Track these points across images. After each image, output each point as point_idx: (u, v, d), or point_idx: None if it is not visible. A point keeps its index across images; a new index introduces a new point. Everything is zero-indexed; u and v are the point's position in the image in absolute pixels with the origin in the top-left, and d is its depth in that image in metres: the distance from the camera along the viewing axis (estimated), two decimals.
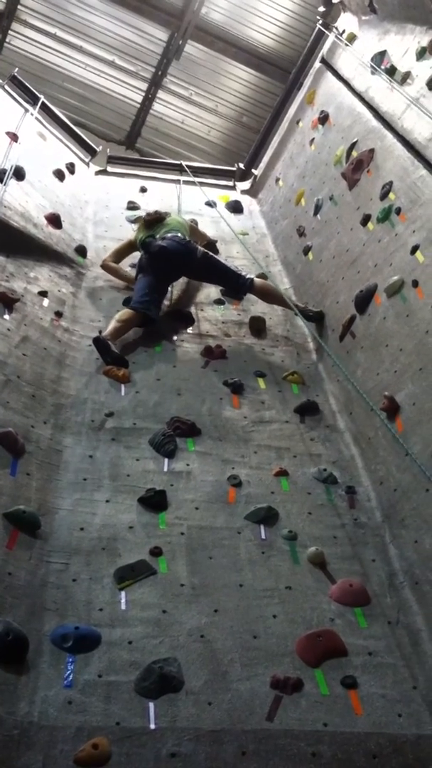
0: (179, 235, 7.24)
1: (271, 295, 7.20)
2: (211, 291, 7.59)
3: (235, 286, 7.26)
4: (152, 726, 3.52)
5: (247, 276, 7.23)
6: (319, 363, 6.64)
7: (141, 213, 8.87)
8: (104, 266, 7.57)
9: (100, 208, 9.07)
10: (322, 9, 10.05)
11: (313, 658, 3.96)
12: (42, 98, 9.95)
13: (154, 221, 7.48)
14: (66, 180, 8.95)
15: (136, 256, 7.61)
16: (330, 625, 4.19)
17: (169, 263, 7.02)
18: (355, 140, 7.60)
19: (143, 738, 3.46)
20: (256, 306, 7.38)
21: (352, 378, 5.90)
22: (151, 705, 3.61)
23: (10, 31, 11.79)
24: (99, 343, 6.17)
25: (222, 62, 11.97)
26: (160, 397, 5.86)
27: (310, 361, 6.70)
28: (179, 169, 10.49)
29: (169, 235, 7.19)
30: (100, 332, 6.31)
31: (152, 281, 6.95)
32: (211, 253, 7.41)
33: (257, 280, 7.24)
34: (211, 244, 8.17)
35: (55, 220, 7.68)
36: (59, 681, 3.65)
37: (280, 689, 3.78)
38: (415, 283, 5.59)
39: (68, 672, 3.70)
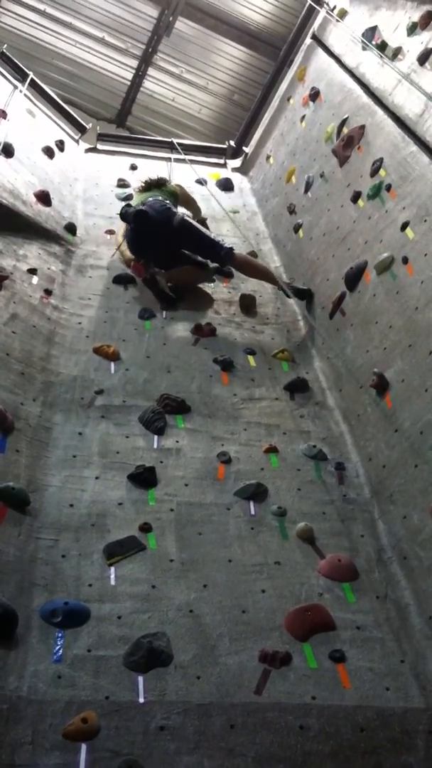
0: (160, 198, 7.15)
1: (253, 269, 7.07)
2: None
3: (213, 256, 7.09)
4: (141, 700, 3.54)
5: (227, 246, 7.02)
6: (309, 341, 6.64)
7: (131, 191, 8.85)
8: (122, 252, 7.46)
9: (90, 185, 9.02)
10: None
11: (302, 633, 3.98)
12: (31, 75, 9.88)
13: (151, 185, 7.58)
14: (55, 157, 8.88)
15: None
16: (318, 599, 4.20)
17: (144, 230, 6.88)
18: (345, 117, 7.56)
19: (132, 712, 3.48)
20: (246, 284, 7.37)
21: (343, 355, 5.92)
22: (140, 679, 3.63)
23: None
24: (148, 281, 6.66)
25: (212, 39, 11.86)
26: (149, 374, 5.85)
27: (300, 338, 6.69)
28: (170, 146, 10.43)
29: (150, 200, 7.10)
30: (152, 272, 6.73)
31: (158, 252, 7.01)
32: (190, 221, 7.18)
33: (238, 253, 7.06)
34: (202, 222, 8.15)
35: (44, 198, 7.63)
36: (48, 656, 3.66)
37: (269, 663, 3.79)
38: (405, 260, 5.58)
39: (57, 647, 3.71)
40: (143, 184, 7.67)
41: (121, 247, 7.43)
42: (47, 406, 5.29)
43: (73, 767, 3.22)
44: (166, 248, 7.04)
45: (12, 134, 8.00)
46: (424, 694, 3.75)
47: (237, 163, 10.64)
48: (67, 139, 9.72)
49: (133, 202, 7.39)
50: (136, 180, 9.04)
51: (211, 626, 3.97)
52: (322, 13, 9.45)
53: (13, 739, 3.26)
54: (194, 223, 7.21)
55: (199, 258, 7.20)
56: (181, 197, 7.89)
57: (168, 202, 7.18)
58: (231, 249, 7.00)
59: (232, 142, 11.16)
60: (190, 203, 8.08)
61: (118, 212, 7.26)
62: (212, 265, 7.31)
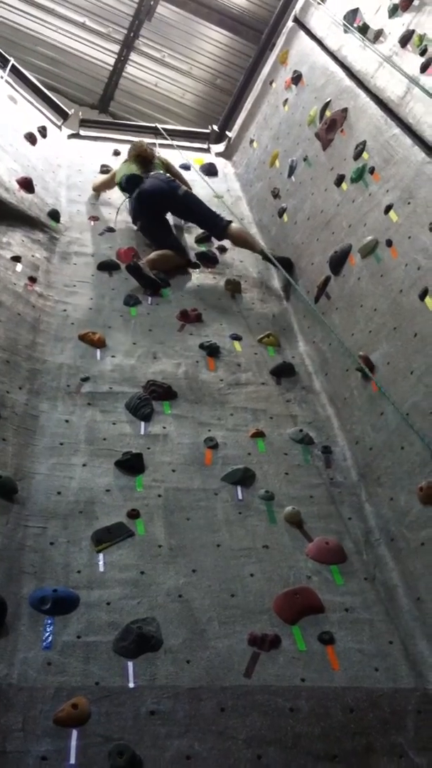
0: (161, 172, 7.72)
1: (244, 240, 7.49)
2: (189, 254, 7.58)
3: (212, 226, 7.60)
4: (131, 685, 3.55)
5: (225, 219, 7.57)
6: (295, 325, 6.63)
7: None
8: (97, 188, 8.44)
9: (73, 172, 8.97)
10: None
11: (291, 615, 4.00)
12: (12, 61, 9.79)
13: (145, 159, 7.90)
14: (38, 144, 8.82)
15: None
16: (307, 582, 4.22)
17: (153, 200, 7.41)
18: (328, 100, 7.54)
19: (122, 697, 3.49)
20: (231, 269, 7.37)
21: (329, 339, 5.92)
22: (130, 664, 3.64)
23: None
24: (131, 268, 6.69)
25: (195, 23, 11.79)
26: (136, 361, 5.84)
27: (286, 323, 6.69)
28: (154, 132, 10.36)
29: (153, 173, 7.63)
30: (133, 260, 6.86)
31: (158, 226, 7.54)
32: (192, 193, 7.72)
33: (234, 225, 7.55)
34: None
35: (27, 185, 7.58)
36: (38, 643, 3.67)
37: (258, 646, 3.81)
38: (389, 243, 5.58)
39: (47, 634, 3.72)
40: (136, 155, 7.97)
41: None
42: (33, 394, 5.28)
43: (64, 753, 3.24)
44: (172, 213, 7.81)
45: None
46: (413, 674, 3.78)
47: (221, 147, 10.59)
48: (49, 126, 9.65)
49: (125, 171, 7.81)
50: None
51: (200, 611, 3.98)
52: None
53: (3, 726, 3.27)
54: (196, 196, 7.73)
55: (183, 245, 7.57)
56: (171, 170, 8.28)
57: (168, 176, 7.76)
58: (230, 222, 7.56)
59: (215, 127, 11.11)
60: (178, 177, 8.31)
61: (125, 180, 7.65)
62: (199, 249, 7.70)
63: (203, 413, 5.43)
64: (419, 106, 5.96)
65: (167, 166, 8.23)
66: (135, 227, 7.71)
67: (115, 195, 8.30)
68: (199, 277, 7.22)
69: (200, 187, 8.46)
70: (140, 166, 7.79)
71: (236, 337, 6.31)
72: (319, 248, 6.69)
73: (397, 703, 3.65)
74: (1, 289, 6.01)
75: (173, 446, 5.10)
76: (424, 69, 6.06)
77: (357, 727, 3.53)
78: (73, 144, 9.84)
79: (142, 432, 5.17)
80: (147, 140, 9.77)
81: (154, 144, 9.73)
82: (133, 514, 4.49)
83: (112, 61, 12.36)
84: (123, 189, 7.69)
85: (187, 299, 6.77)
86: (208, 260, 7.49)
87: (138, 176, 7.52)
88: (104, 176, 8.55)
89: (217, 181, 9.43)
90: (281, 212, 7.78)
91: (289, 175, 7.92)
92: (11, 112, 8.88)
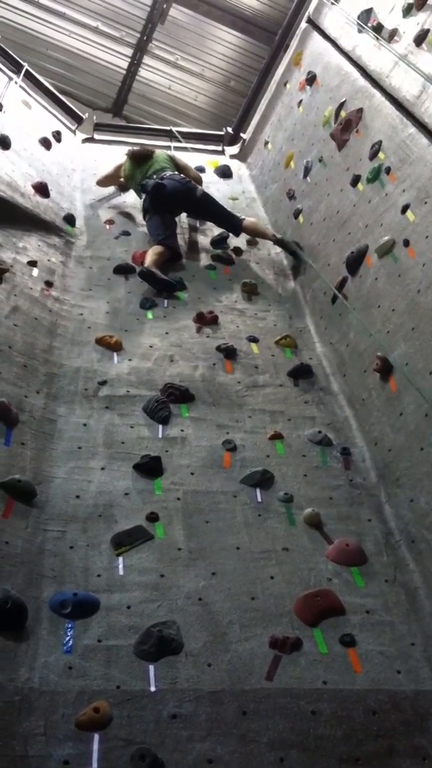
0: (175, 173, 7.86)
1: (258, 231, 7.84)
2: (202, 256, 7.57)
3: (229, 225, 7.82)
4: (152, 688, 3.55)
5: (241, 217, 7.88)
6: (312, 326, 6.62)
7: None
8: (99, 183, 8.66)
9: (88, 176, 8.98)
10: None
11: (311, 618, 3.99)
12: (26, 66, 9.82)
13: (141, 157, 8.12)
14: (52, 148, 8.85)
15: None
16: (327, 584, 4.21)
17: (170, 200, 7.54)
18: (343, 100, 7.52)
19: (144, 700, 3.49)
20: (247, 271, 7.36)
21: (345, 340, 5.91)
22: (151, 668, 3.64)
23: None
24: (144, 274, 6.77)
25: (207, 25, 11.82)
26: (153, 364, 5.84)
27: (303, 324, 6.67)
28: (168, 135, 10.39)
29: (168, 173, 7.73)
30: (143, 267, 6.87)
31: (161, 219, 7.54)
32: (208, 193, 7.89)
33: (246, 220, 7.87)
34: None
35: (42, 189, 7.60)
36: (59, 647, 3.67)
37: (279, 649, 3.80)
38: (406, 243, 5.56)
39: (68, 638, 3.72)
40: (133, 156, 8.19)
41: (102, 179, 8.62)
42: (51, 398, 5.29)
43: (86, 757, 3.23)
44: (188, 213, 8.15)
45: (8, 126, 7.99)
46: None
47: (235, 149, 10.58)
48: (63, 130, 9.68)
49: (134, 174, 8.07)
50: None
51: (220, 613, 3.97)
52: None
53: (25, 730, 3.26)
54: (211, 196, 7.95)
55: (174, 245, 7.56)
56: (179, 164, 8.36)
57: (186, 177, 7.92)
58: (243, 219, 7.87)
59: (229, 129, 11.09)
60: (187, 170, 8.37)
61: (139, 184, 7.92)
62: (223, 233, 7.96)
63: (221, 416, 5.42)
64: None
65: (175, 162, 8.28)
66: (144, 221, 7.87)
67: (130, 200, 8.33)
68: (215, 279, 7.21)
69: (215, 189, 8.47)
70: (139, 163, 8.05)
71: (253, 339, 6.30)
72: (335, 249, 6.67)
73: (420, 705, 3.63)
74: (18, 293, 6.03)
75: (191, 449, 5.09)
76: None
77: (379, 729, 3.51)
78: (87, 148, 9.87)
79: (160, 435, 5.17)
80: (161, 143, 9.85)
81: (168, 147, 9.76)
82: (152, 518, 4.48)
83: (125, 64, 12.40)
84: (146, 191, 7.65)
85: (203, 301, 6.77)
86: (224, 262, 7.48)
87: (162, 184, 7.51)
88: (107, 171, 8.63)
89: (232, 183, 9.45)
90: (297, 213, 7.77)
91: (305, 176, 7.90)
92: (26, 117, 8.91)
